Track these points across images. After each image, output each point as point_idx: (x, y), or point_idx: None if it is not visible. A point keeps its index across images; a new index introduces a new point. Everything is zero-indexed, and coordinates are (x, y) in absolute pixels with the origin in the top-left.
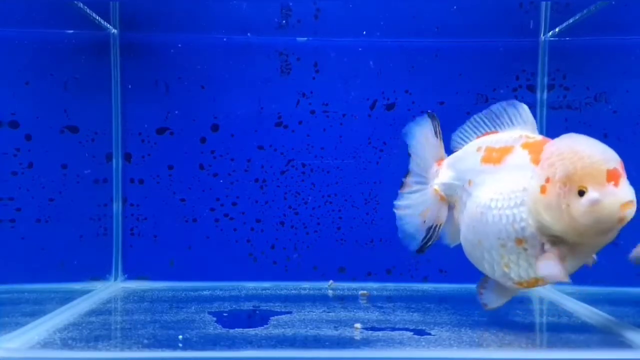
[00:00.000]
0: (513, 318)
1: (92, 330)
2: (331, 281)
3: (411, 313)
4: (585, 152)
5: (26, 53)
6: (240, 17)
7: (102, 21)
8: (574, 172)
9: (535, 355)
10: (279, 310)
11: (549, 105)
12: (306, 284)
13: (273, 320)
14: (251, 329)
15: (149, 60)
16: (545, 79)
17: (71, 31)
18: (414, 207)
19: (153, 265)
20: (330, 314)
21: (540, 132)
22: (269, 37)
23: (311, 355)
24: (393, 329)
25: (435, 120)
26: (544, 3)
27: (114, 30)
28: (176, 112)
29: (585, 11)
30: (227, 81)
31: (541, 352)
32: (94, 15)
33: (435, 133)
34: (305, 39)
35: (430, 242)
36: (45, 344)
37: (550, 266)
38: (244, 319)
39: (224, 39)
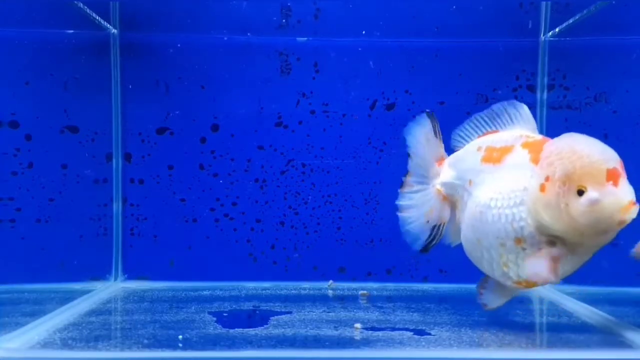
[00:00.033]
0: (513, 318)
1: (92, 330)
2: (331, 281)
3: (411, 313)
4: (585, 151)
5: (26, 53)
6: (240, 17)
7: (102, 21)
8: (573, 172)
9: (535, 355)
10: (279, 310)
11: (549, 105)
12: (306, 284)
13: (273, 320)
14: (251, 329)
15: (149, 60)
16: (545, 79)
17: (71, 31)
18: (418, 207)
19: (153, 265)
20: (330, 314)
21: (541, 132)
22: (269, 37)
23: (311, 355)
24: (393, 329)
25: (434, 120)
26: (544, 3)
27: (114, 30)
28: (176, 112)
29: (585, 11)
30: (227, 81)
31: (541, 352)
32: (94, 15)
33: (435, 132)
34: (305, 39)
35: (434, 242)
36: (45, 344)
37: (537, 265)
38: (244, 319)
39: (224, 39)
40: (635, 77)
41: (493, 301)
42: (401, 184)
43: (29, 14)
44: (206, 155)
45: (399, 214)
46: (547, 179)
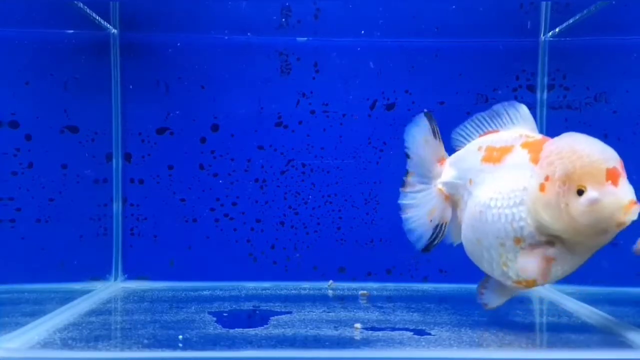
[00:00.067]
0: (513, 318)
1: (92, 330)
2: (331, 281)
3: (411, 313)
4: (585, 151)
5: (26, 53)
6: (240, 17)
7: (102, 21)
8: (573, 171)
9: (535, 355)
10: (279, 310)
11: (549, 105)
12: (306, 284)
13: (273, 320)
14: (251, 329)
15: (149, 60)
16: (545, 79)
17: (71, 31)
18: (420, 206)
19: (153, 265)
20: (330, 314)
21: (541, 132)
22: (269, 37)
23: (311, 355)
24: (393, 329)
25: (432, 120)
26: (544, 3)
27: (114, 30)
28: (176, 112)
29: (585, 11)
30: (227, 81)
31: (541, 352)
32: (94, 15)
33: (434, 133)
34: (305, 39)
35: (436, 241)
36: (45, 344)
37: (528, 262)
38: (244, 319)
39: (224, 39)
40: (635, 77)
41: (493, 301)
42: (403, 184)
43: (29, 14)
44: (206, 155)
45: (401, 213)
46: (547, 178)
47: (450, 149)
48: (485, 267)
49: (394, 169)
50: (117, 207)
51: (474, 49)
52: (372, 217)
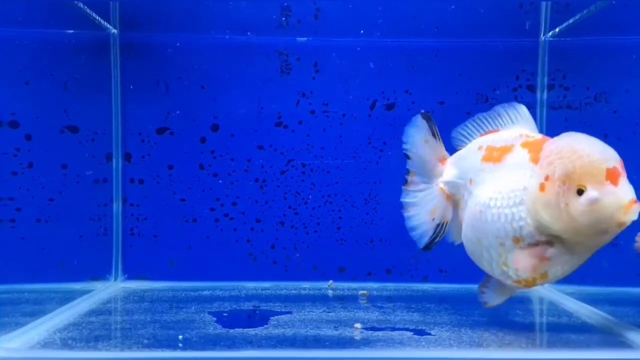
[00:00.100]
0: (513, 318)
1: (92, 330)
2: (331, 281)
3: (411, 313)
4: (585, 150)
5: (26, 53)
6: (240, 17)
7: (102, 21)
8: (573, 171)
9: (535, 355)
10: (279, 310)
11: (549, 105)
12: (306, 284)
13: (273, 320)
14: (251, 329)
15: (149, 60)
16: (545, 79)
17: (71, 31)
18: (422, 205)
19: (153, 265)
20: (330, 314)
21: (540, 133)
22: (269, 37)
23: (311, 355)
24: (393, 329)
25: (430, 120)
26: (544, 3)
27: (114, 30)
28: (176, 112)
29: (585, 11)
30: (227, 81)
31: (541, 352)
32: (94, 15)
33: (433, 133)
34: (305, 39)
35: (437, 240)
36: (45, 344)
37: (522, 259)
38: (244, 319)
39: (224, 39)
40: (635, 77)
41: (493, 299)
42: (405, 182)
43: (29, 14)
44: (206, 155)
45: (403, 211)
46: (546, 178)
47: (451, 149)
48: (485, 266)
49: (394, 169)
50: (117, 207)
51: (473, 49)
52: (372, 217)
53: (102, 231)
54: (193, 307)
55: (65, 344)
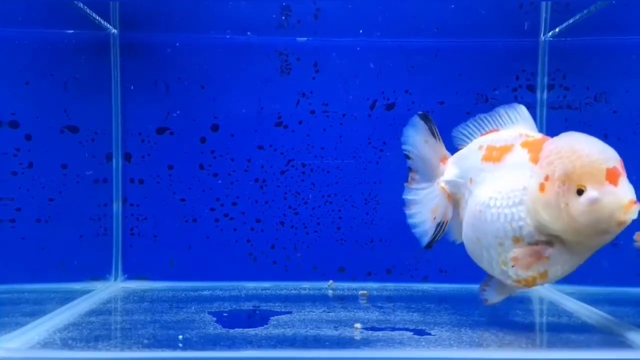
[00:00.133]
0: (513, 318)
1: (92, 330)
2: (331, 281)
3: (411, 313)
4: (585, 150)
5: (26, 53)
6: (240, 17)
7: (102, 21)
8: (572, 171)
9: (535, 355)
10: (279, 310)
11: (549, 105)
12: (306, 284)
13: (273, 320)
14: (251, 329)
15: (149, 60)
16: (545, 79)
17: (71, 31)
18: (424, 204)
19: (153, 265)
20: (330, 314)
21: (540, 133)
22: (269, 37)
23: (311, 355)
24: (393, 329)
25: (429, 121)
26: (544, 3)
27: (114, 30)
28: (176, 112)
29: (585, 11)
30: (227, 81)
31: (541, 352)
32: (94, 15)
33: (432, 133)
34: (305, 39)
35: (436, 239)
36: (45, 344)
37: (519, 253)
38: (244, 319)
39: (224, 39)
40: (635, 77)
41: (494, 297)
42: (408, 179)
43: (29, 14)
44: (206, 155)
45: (405, 209)
46: (546, 178)
47: (451, 148)
48: (485, 266)
49: (394, 169)
50: (117, 207)
51: (473, 49)
52: (372, 217)
53: (102, 231)
54: (193, 307)
55: (65, 344)
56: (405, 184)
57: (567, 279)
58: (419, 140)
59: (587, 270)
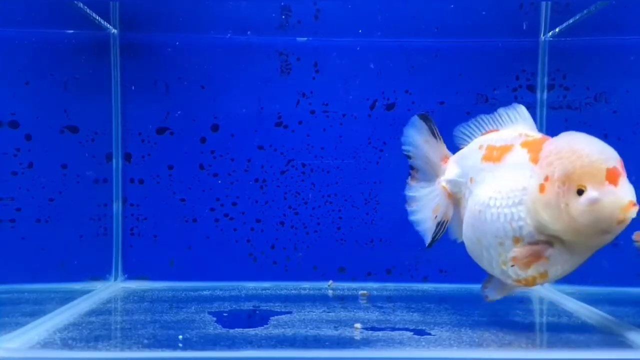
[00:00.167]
0: (513, 318)
1: (92, 330)
2: (331, 281)
3: (411, 313)
4: (584, 150)
5: (26, 53)
6: (240, 17)
7: (102, 21)
8: (572, 171)
9: (535, 355)
10: (279, 310)
11: (549, 105)
12: (306, 284)
13: (273, 320)
14: (251, 329)
15: (149, 60)
16: (545, 79)
17: (71, 31)
18: (425, 202)
19: (153, 265)
20: (330, 314)
21: (540, 133)
22: (269, 37)
23: (311, 355)
24: (393, 329)
25: (429, 121)
26: (544, 3)
27: (114, 30)
28: (176, 112)
29: (585, 11)
30: (227, 81)
31: (541, 352)
32: (94, 15)
33: (433, 133)
34: (305, 39)
35: (437, 237)
36: (45, 344)
37: (518, 252)
38: (244, 319)
39: (224, 39)
40: (635, 77)
41: (494, 295)
42: (410, 176)
43: (29, 14)
44: (206, 155)
45: (407, 206)
46: (546, 179)
47: (452, 148)
48: (485, 265)
49: (394, 169)
50: (117, 207)
51: (473, 49)
52: (372, 217)
53: (102, 231)
54: (193, 307)
55: (65, 344)
56: (407, 181)
57: (567, 279)
58: (419, 140)
59: (587, 270)
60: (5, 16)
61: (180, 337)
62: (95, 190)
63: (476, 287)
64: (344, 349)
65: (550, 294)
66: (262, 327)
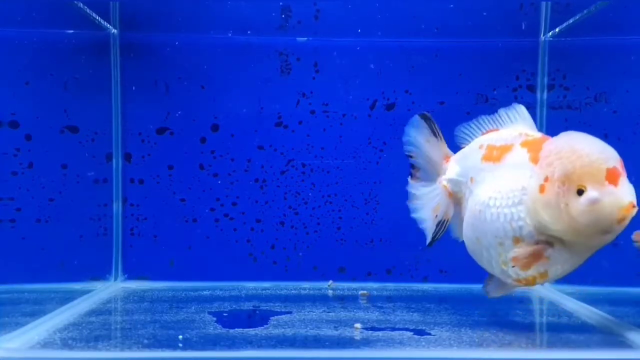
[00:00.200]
0: (513, 318)
1: (92, 330)
2: (331, 281)
3: (411, 313)
4: (584, 150)
5: (26, 53)
6: (240, 17)
7: (102, 21)
8: (572, 172)
9: (535, 355)
10: (279, 310)
11: (549, 105)
12: (306, 284)
13: (273, 320)
14: (251, 329)
15: (149, 60)
16: (545, 79)
17: (71, 31)
18: (427, 201)
19: (153, 265)
20: (330, 314)
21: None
22: (269, 37)
23: (311, 355)
24: (393, 329)
25: (430, 120)
26: (544, 3)
27: (114, 30)
28: (176, 112)
29: (585, 11)
30: (227, 81)
31: (541, 352)
32: (94, 15)
33: (434, 133)
34: (305, 39)
35: (437, 237)
36: (45, 344)
37: (518, 252)
38: (244, 319)
39: (224, 39)
40: (635, 77)
41: (496, 293)
42: (411, 175)
43: (29, 14)
44: (206, 155)
45: (409, 202)
46: (546, 179)
47: (453, 148)
48: (485, 265)
49: (394, 169)
50: (117, 207)
51: (473, 49)
52: (372, 217)
53: (102, 231)
54: (193, 307)
55: (65, 344)
56: (409, 179)
57: (567, 279)
58: (420, 140)
59: (587, 270)
60: (5, 16)
61: (180, 337)
62: (95, 190)
63: (476, 287)
64: (344, 349)
65: (550, 294)
66: (262, 327)
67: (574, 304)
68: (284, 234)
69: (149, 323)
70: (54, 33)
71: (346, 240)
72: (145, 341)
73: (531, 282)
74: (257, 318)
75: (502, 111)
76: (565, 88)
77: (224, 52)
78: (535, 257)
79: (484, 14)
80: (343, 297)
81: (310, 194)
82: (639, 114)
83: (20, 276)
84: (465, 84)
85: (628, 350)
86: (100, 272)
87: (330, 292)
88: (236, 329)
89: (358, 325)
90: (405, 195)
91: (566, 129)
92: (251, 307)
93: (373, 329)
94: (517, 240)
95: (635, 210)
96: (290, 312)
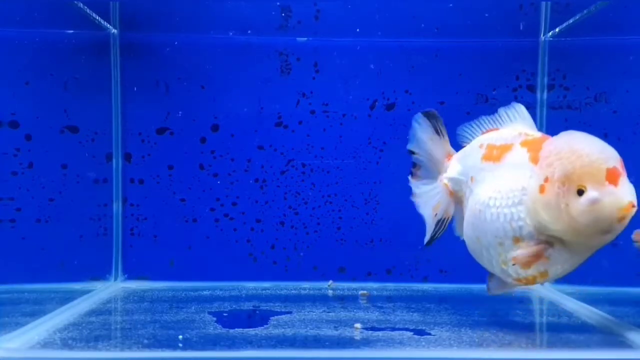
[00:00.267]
0: (513, 318)
1: (92, 330)
2: (331, 281)
3: (411, 313)
4: (584, 150)
5: (26, 53)
6: (240, 17)
7: (102, 21)
8: (572, 172)
9: (535, 355)
10: (279, 310)
11: (549, 105)
12: (306, 284)
13: (273, 320)
14: (251, 329)
15: (149, 60)
16: (545, 79)
17: (71, 31)
18: (427, 199)
19: (153, 265)
20: (330, 314)
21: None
22: (269, 37)
23: (311, 355)
24: (393, 329)
25: (434, 118)
26: (544, 3)
27: (114, 30)
28: (176, 112)
29: (585, 11)
30: (227, 81)
31: (541, 352)
32: (94, 15)
33: (437, 130)
34: (305, 39)
35: (437, 235)
36: (45, 344)
37: (519, 252)
38: (244, 319)
39: (224, 39)
40: (635, 77)
41: (497, 290)
42: (411, 174)
43: (29, 14)
44: (206, 155)
45: (412, 198)
46: (546, 179)
47: (454, 147)
48: (485, 264)
49: (394, 169)
50: (117, 207)
51: (473, 49)
52: (372, 217)
53: (102, 231)
54: (193, 307)
55: (65, 344)
56: (409, 178)
57: (567, 279)
58: (423, 138)
59: (587, 270)
60: (5, 16)
61: (180, 337)
62: (95, 190)
63: (476, 287)
64: (344, 349)
65: (550, 294)
66: (262, 327)
67: (574, 304)
68: (284, 234)
69: (149, 323)
70: (54, 33)
71: (346, 240)
72: (145, 341)
73: (531, 281)
74: (257, 318)
75: (501, 110)
76: (565, 88)
77: (224, 52)
78: (535, 257)
79: (487, 15)
80: (343, 297)
81: (310, 194)
82: (639, 114)
83: (20, 276)
84: (465, 84)
85: (628, 350)
86: (100, 272)
87: (330, 292)
88: (236, 329)
89: (358, 325)
90: (405, 195)
91: (566, 129)
92: (251, 307)
93: (373, 329)
94: (517, 240)
95: (635, 210)
96: (290, 312)
